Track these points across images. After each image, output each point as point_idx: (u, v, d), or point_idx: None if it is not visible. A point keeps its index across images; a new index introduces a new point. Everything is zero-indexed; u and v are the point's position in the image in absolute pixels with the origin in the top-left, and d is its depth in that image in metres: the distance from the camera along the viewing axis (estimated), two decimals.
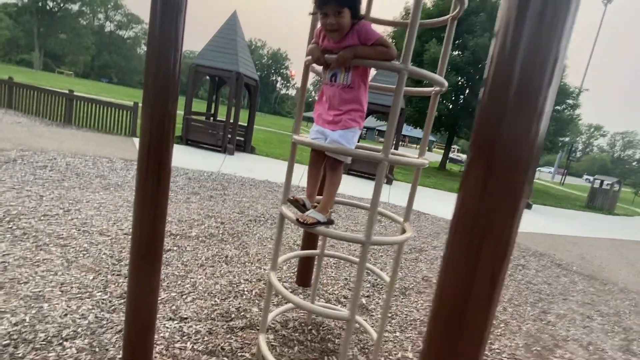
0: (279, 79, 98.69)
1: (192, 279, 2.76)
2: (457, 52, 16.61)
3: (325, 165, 1.65)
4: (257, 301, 2.64)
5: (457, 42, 15.83)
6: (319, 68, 1.68)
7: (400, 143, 11.48)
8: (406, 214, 1.95)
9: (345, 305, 2.84)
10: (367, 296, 3.08)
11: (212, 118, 11.26)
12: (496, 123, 0.79)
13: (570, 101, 17.69)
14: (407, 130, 29.90)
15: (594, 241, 7.77)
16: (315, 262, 2.97)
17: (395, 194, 8.40)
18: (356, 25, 1.46)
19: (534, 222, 9.09)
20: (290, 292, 2.88)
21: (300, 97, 1.75)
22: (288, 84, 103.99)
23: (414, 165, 1.63)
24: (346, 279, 3.32)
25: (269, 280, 1.84)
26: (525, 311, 3.41)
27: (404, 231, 1.96)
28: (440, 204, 8.27)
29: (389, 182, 10.34)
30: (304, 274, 2.99)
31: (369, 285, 3.29)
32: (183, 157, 7.70)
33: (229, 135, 10.01)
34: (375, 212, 1.54)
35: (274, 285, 1.78)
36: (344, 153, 1.56)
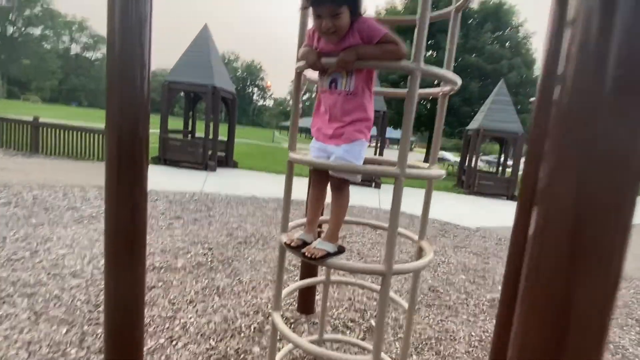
0: (255, 90, 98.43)
1: (181, 320, 2.46)
2: (430, 53, 16.80)
3: (330, 187, 1.42)
4: (257, 339, 2.36)
5: (429, 42, 16.01)
6: (314, 74, 1.45)
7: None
8: (421, 230, 1.74)
9: (354, 331, 2.60)
10: (375, 316, 2.84)
11: (190, 135, 10.88)
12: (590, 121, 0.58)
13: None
14: (389, 132, 30.40)
15: None
16: (320, 290, 2.74)
17: (386, 199, 8.25)
18: (356, 23, 1.24)
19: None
20: (293, 322, 2.62)
21: (294, 108, 1.52)
22: (265, 95, 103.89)
23: (433, 177, 1.43)
24: (350, 298, 3.08)
25: (273, 322, 1.59)
26: None
27: (420, 250, 1.75)
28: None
29: (377, 186, 10.20)
30: (306, 300, 2.73)
31: (366, 298, 3.06)
32: (162, 179, 7.31)
33: (210, 152, 9.66)
34: (395, 235, 1.32)
35: (280, 330, 1.53)
36: (351, 171, 1.33)
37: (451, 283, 3.67)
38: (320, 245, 1.37)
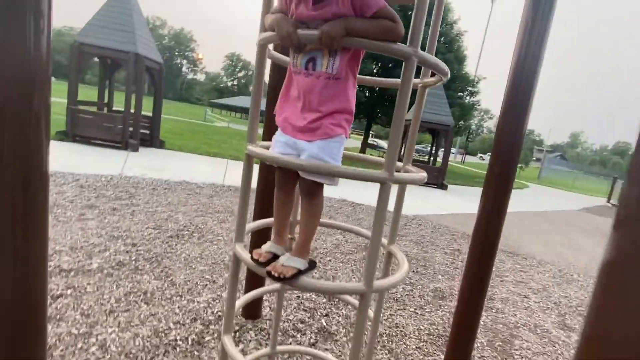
0: (185, 62, 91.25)
1: (99, 337, 2.02)
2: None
3: (300, 190, 1.16)
4: (196, 353, 2.04)
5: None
6: (278, 54, 1.15)
7: None
8: (391, 234, 1.58)
9: (305, 334, 2.41)
10: (326, 315, 2.69)
11: (106, 108, 9.53)
12: None
13: (470, 88, 19.70)
14: None
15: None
16: (272, 297, 2.49)
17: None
18: None
19: (454, 202, 9.80)
20: (238, 329, 2.34)
21: (255, 90, 1.20)
22: (195, 68, 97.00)
23: (419, 181, 1.24)
24: (298, 296, 2.88)
25: (223, 346, 1.30)
26: None
27: (389, 256, 1.59)
28: (369, 193, 8.29)
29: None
30: (253, 304, 2.45)
31: (324, 300, 2.90)
32: (71, 158, 6.26)
33: (131, 128, 8.56)
34: (378, 248, 1.12)
35: (232, 358, 1.25)
36: (327, 173, 1.08)
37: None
38: (289, 262, 1.11)
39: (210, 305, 2.53)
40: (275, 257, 1.18)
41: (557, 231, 8.25)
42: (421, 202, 8.57)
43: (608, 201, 18.35)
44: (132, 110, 8.54)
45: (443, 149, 12.50)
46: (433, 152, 14.25)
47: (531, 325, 3.15)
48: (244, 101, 73.64)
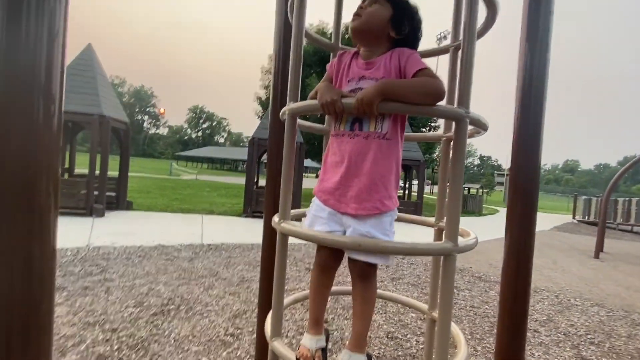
0: (146, 117, 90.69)
1: None
2: None
3: (352, 275, 1.00)
4: None
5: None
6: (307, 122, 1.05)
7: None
8: (433, 299, 1.42)
9: None
10: None
11: (67, 174, 8.98)
12: None
13: (432, 123, 20.89)
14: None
15: (488, 244, 8.69)
16: None
17: None
18: (398, 49, 0.93)
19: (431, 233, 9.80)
20: None
21: (287, 163, 1.06)
22: (158, 123, 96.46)
23: (476, 243, 1.12)
24: None
25: None
26: (490, 344, 3.24)
27: (432, 323, 1.43)
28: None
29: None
30: None
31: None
32: None
33: (96, 192, 8.05)
34: (449, 332, 0.96)
35: None
36: (382, 251, 0.94)
37: (406, 325, 3.46)
38: (348, 358, 0.92)
39: None
40: (322, 351, 0.99)
41: (540, 254, 8.39)
42: (405, 239, 8.49)
43: (573, 217, 19.28)
44: (97, 173, 8.09)
45: (416, 182, 12.77)
46: (407, 187, 14.54)
47: None
48: (210, 151, 73.12)
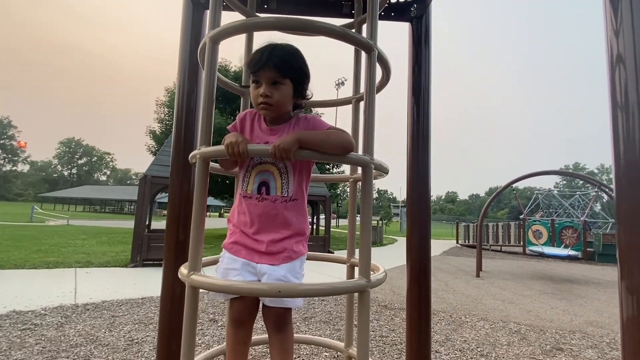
0: (0, 152, 76.17)
1: None
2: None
3: (267, 325, 0.96)
4: None
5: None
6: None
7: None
8: (349, 338, 1.44)
9: None
10: None
11: None
12: None
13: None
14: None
15: (391, 272, 9.31)
16: None
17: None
18: (301, 116, 1.01)
19: (341, 267, 10.12)
20: None
21: (198, 210, 1.00)
22: (15, 158, 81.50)
23: (381, 282, 1.19)
24: None
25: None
26: None
27: None
28: None
29: None
30: None
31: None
32: None
33: None
34: None
35: None
36: (301, 295, 0.94)
37: None
38: None
39: None
40: None
41: (434, 278, 9.33)
42: (316, 275, 8.59)
43: (457, 242, 22.12)
44: None
45: (323, 216, 13.22)
46: (314, 221, 14.92)
47: None
48: (87, 191, 63.19)
